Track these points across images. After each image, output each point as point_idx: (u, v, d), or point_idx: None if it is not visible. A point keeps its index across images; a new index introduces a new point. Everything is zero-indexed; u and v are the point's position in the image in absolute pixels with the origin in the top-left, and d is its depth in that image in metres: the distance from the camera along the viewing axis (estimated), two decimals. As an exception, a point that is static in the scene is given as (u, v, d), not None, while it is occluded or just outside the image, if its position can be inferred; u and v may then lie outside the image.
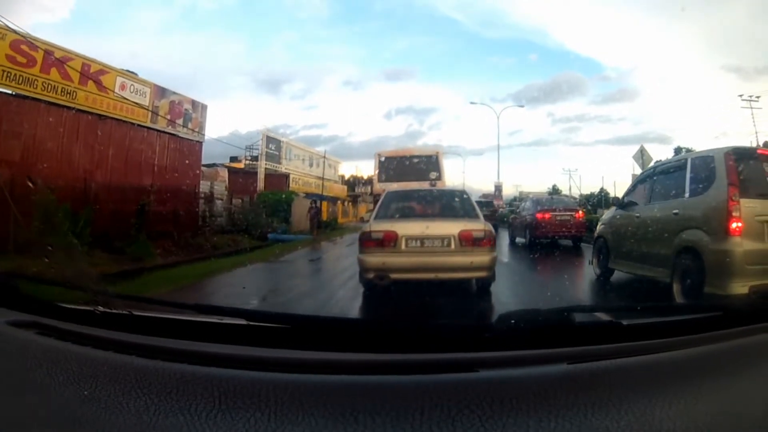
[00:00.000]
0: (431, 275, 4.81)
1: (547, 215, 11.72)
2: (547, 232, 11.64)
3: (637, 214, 5.93)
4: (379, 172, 14.46)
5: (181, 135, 15.34)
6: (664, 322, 1.07)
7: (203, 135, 16.10)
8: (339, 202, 34.64)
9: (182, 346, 0.88)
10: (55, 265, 1.45)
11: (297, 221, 20.17)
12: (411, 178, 12.35)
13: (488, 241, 4.92)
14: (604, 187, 44.31)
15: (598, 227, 7.22)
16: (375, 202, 7.70)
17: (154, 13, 43.54)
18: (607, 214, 7.25)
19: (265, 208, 19.05)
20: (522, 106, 35.19)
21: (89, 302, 1.06)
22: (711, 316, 1.08)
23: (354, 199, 40.76)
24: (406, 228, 4.96)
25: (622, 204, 6.57)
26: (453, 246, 4.82)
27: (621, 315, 1.05)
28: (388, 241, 4.83)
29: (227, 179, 19.48)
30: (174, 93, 15.27)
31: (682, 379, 0.79)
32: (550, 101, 61.50)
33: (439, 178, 13.28)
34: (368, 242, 4.95)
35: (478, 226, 5.04)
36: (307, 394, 0.71)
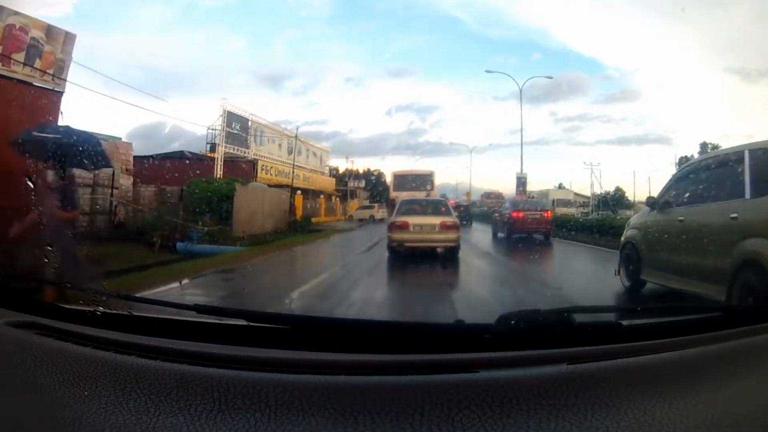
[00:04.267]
0: (425, 244, 9.02)
1: (521, 214, 13.76)
2: (521, 228, 13.67)
3: (680, 217, 5.02)
4: (393, 184, 21.64)
5: (18, 78, 9.31)
6: (664, 322, 1.08)
7: (65, 81, 10.07)
8: (322, 196, 28.62)
9: (182, 347, 0.87)
10: (55, 266, 1.37)
11: (243, 220, 14.30)
12: (414, 189, 18.64)
13: (455, 227, 9.19)
14: (620, 186, 39.65)
15: (626, 231, 6.23)
16: (392, 206, 13.77)
17: (156, 9, 43.50)
18: (638, 217, 6.31)
19: (193, 202, 13.35)
20: (550, 78, 29.44)
21: (89, 303, 1.06)
22: (711, 317, 1.11)
23: (344, 195, 34.72)
24: (413, 220, 9.26)
25: (658, 205, 5.57)
26: (437, 229, 9.05)
27: (621, 316, 1.10)
28: (404, 226, 9.08)
29: (131, 159, 13.55)
30: (16, 13, 9.45)
31: (682, 379, 0.79)
32: (552, 100, 61.41)
33: (432, 189, 19.93)
34: (394, 227, 9.22)
35: (450, 219, 9.39)
36: (307, 395, 0.71)
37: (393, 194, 20.11)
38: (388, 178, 27.26)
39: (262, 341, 0.89)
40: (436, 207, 10.12)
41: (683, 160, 40.77)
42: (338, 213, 30.93)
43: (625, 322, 0.95)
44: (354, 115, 67.27)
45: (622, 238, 6.22)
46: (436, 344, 0.87)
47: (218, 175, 20.85)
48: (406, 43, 52.24)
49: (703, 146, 42.58)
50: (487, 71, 25.56)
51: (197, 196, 13.50)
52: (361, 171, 44.97)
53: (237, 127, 24.99)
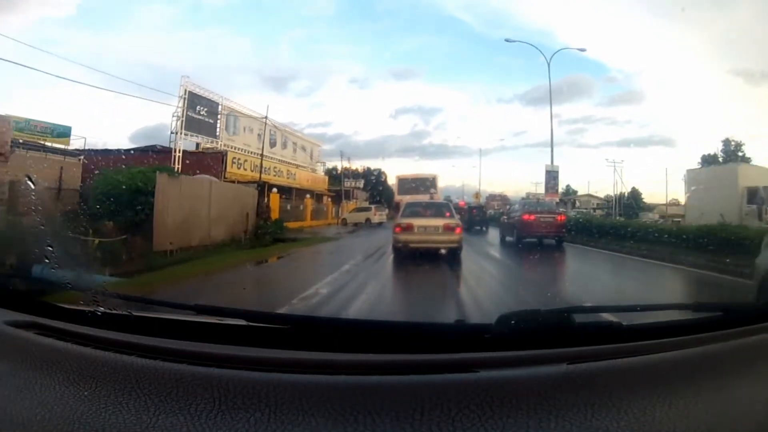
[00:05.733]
0: (429, 245, 9.27)
1: (532, 217, 12.98)
2: (532, 232, 12.89)
3: None
4: (398, 188, 24.38)
5: None
6: (664, 322, 1.07)
7: None
8: (309, 196, 24.05)
9: (182, 347, 0.87)
10: (56, 265, 1.34)
11: (172, 227, 10.12)
12: (418, 192, 20.18)
13: (457, 229, 9.45)
14: (636, 187, 36.12)
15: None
16: (396, 209, 15.17)
17: (159, 8, 40.49)
18: None
19: (97, 203, 9.27)
20: (583, 50, 25.29)
21: (89, 303, 1.05)
22: (711, 317, 1.09)
23: (338, 195, 30.41)
24: (417, 221, 9.58)
25: None
26: (440, 231, 9.35)
27: (621, 315, 1.06)
28: (409, 228, 9.38)
29: (9, 141, 9.19)
30: None
31: (682, 379, 0.79)
32: (556, 102, 59.39)
33: (435, 192, 21.56)
34: (399, 229, 9.51)
35: (453, 221, 9.66)
36: (307, 394, 0.71)
37: (397, 197, 22.31)
38: (392, 180, 30.09)
39: (262, 341, 0.89)
40: (439, 209, 10.46)
41: (706, 158, 35.94)
42: (329, 216, 26.30)
43: (625, 322, 0.95)
44: (358, 117, 67.20)
45: (761, 261, 4.08)
46: (436, 344, 0.88)
47: (177, 169, 16.82)
48: (410, 44, 51.61)
49: (726, 143, 38.01)
50: (507, 40, 21.49)
51: (99, 193, 9.44)
52: (360, 170, 40.83)
53: (203, 112, 20.75)
